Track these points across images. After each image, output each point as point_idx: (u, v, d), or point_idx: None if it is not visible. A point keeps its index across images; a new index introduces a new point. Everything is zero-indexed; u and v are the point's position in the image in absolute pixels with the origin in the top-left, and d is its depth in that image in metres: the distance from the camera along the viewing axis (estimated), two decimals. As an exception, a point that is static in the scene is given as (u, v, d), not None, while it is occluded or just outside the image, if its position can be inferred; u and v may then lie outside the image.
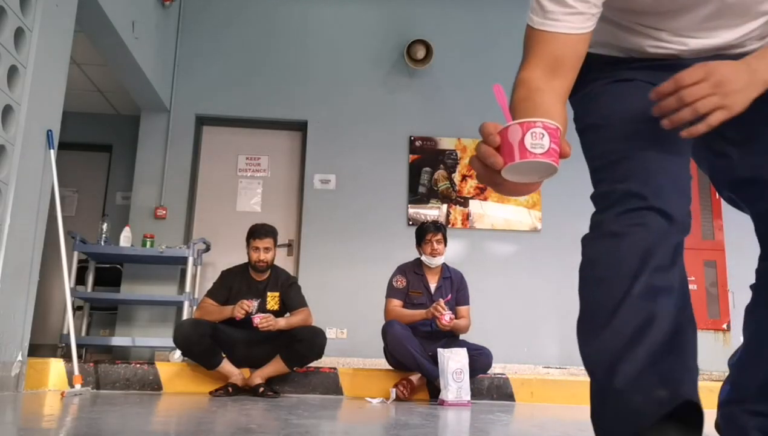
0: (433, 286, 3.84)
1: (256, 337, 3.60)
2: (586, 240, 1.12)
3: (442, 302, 3.58)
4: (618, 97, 1.17)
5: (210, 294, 3.74)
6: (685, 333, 1.05)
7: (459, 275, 3.95)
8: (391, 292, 3.82)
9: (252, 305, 3.50)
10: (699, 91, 0.98)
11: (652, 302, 1.01)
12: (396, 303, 3.77)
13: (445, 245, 3.85)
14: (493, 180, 0.95)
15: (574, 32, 1.11)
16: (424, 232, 3.84)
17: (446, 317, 3.53)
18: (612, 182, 1.11)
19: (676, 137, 1.04)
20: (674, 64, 1.15)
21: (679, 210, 1.08)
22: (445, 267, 3.91)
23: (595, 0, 1.09)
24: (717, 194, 5.75)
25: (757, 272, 1.34)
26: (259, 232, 3.72)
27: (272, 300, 3.71)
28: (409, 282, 3.82)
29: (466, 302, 3.88)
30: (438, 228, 3.84)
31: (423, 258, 3.84)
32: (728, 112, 0.99)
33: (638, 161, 1.10)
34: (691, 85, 0.98)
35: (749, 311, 1.29)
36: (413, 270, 3.87)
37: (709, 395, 4.08)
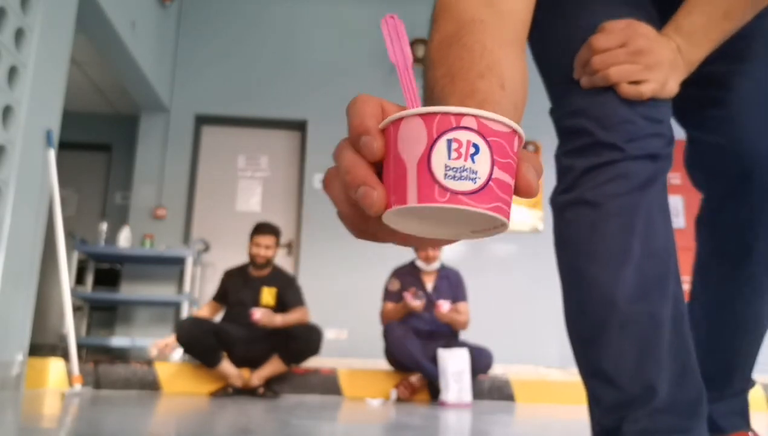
0: (429, 286, 3.83)
1: (254, 336, 3.62)
2: (558, 205, 0.91)
3: (414, 301, 3.58)
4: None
5: (214, 296, 3.89)
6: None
7: (456, 273, 3.94)
8: (386, 295, 3.85)
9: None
10: (611, 59, 0.85)
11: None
12: (390, 307, 3.78)
13: (440, 248, 3.84)
14: (361, 226, 0.50)
15: None
16: None
17: (444, 307, 3.55)
18: (572, 111, 0.92)
19: None
20: None
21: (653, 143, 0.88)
22: (441, 268, 3.91)
23: None
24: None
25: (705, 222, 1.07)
26: (263, 228, 3.79)
27: (268, 295, 3.73)
28: (405, 284, 3.82)
29: (464, 298, 3.88)
30: None
31: (418, 263, 3.84)
32: (660, 89, 0.86)
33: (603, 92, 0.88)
34: (604, 50, 0.84)
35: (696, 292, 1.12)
36: (409, 272, 3.87)
37: (709, 395, 4.00)
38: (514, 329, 5.33)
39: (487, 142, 0.43)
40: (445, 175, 0.43)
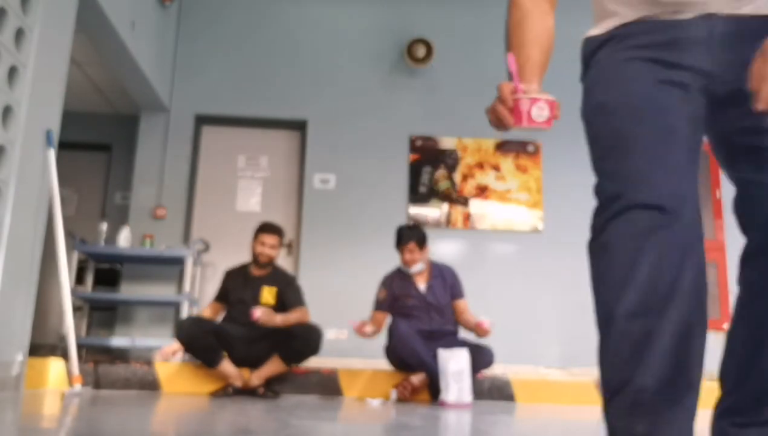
0: (422, 287, 3.80)
1: (254, 335, 3.62)
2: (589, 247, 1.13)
3: (365, 329, 3.63)
4: (616, 83, 1.13)
5: (216, 297, 3.89)
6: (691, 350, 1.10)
7: (450, 270, 3.91)
8: (375, 304, 3.85)
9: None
10: None
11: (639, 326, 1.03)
12: (379, 317, 3.79)
13: (422, 249, 3.75)
14: (501, 128, 1.19)
15: None
16: (400, 241, 3.77)
17: (486, 324, 3.58)
18: (603, 178, 1.12)
19: (675, 125, 1.06)
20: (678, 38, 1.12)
21: (672, 201, 1.03)
22: (433, 266, 3.88)
23: None
24: (717, 193, 5.67)
25: (749, 264, 1.19)
26: (268, 227, 3.81)
27: (268, 294, 3.73)
28: (398, 288, 3.79)
29: (462, 295, 3.86)
30: (410, 237, 3.73)
31: (402, 267, 3.82)
32: None
33: (629, 156, 1.07)
34: None
35: (738, 315, 1.25)
36: (399, 277, 3.84)
37: (708, 395, 4.06)
38: (514, 329, 5.32)
39: (548, 105, 1.13)
40: (537, 116, 1.12)
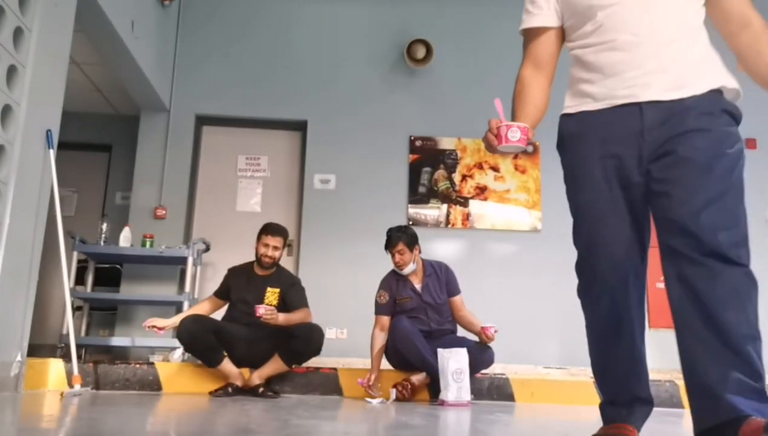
0: (418, 286, 3.80)
1: (255, 335, 3.62)
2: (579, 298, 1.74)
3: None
4: (577, 173, 1.71)
5: (215, 292, 3.88)
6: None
7: (443, 267, 3.90)
8: (378, 308, 3.79)
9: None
10: None
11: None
12: (382, 321, 3.73)
13: (412, 250, 3.74)
14: (491, 151, 1.62)
15: (546, 24, 1.75)
16: (389, 244, 3.77)
17: (491, 330, 3.58)
18: (577, 245, 1.74)
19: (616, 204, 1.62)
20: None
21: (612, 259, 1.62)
22: (427, 264, 3.87)
23: (555, 6, 1.74)
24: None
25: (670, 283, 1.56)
26: (272, 229, 3.80)
27: (272, 295, 3.73)
28: (395, 290, 3.78)
29: (457, 291, 3.85)
30: (398, 239, 3.73)
31: (395, 269, 3.81)
32: None
33: (588, 229, 1.70)
34: None
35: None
36: (395, 278, 3.83)
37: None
38: (514, 329, 5.32)
39: (520, 129, 1.56)
40: (511, 137, 1.54)
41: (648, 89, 1.55)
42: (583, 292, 1.69)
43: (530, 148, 5.75)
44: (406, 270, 3.76)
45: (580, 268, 1.69)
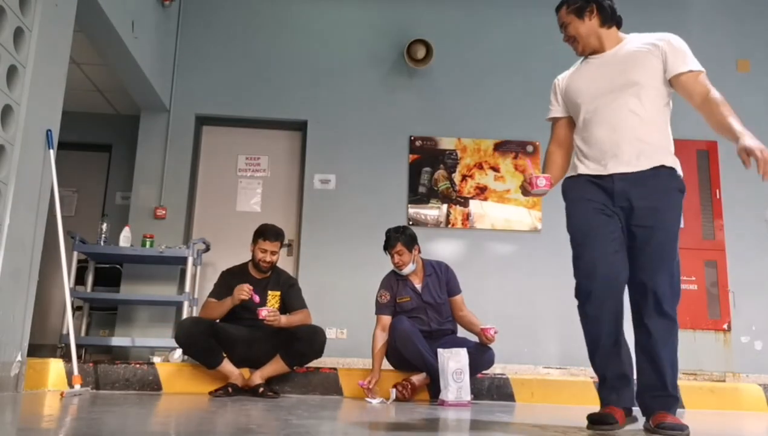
0: (419, 286, 3.79)
1: (256, 336, 3.61)
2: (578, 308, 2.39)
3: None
4: (576, 213, 2.42)
5: (212, 295, 3.75)
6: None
7: (443, 266, 3.89)
8: (378, 309, 3.78)
9: (250, 289, 3.51)
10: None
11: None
12: (384, 320, 3.72)
13: (411, 250, 3.73)
14: (526, 194, 2.40)
15: (559, 115, 2.57)
16: (386, 244, 3.77)
17: (491, 332, 3.58)
18: (576, 270, 2.40)
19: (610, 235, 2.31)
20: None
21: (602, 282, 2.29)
22: (427, 264, 3.87)
23: (557, 101, 2.56)
24: (717, 194, 5.77)
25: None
26: (269, 234, 3.71)
27: (273, 299, 3.70)
28: (395, 290, 3.78)
29: (458, 290, 3.84)
30: (396, 239, 3.72)
31: (396, 269, 3.80)
32: None
33: (583, 258, 2.36)
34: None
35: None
36: (395, 278, 3.82)
37: (708, 395, 4.07)
38: (514, 329, 5.33)
39: (545, 178, 2.35)
40: (538, 183, 2.33)
41: (614, 164, 2.32)
42: (582, 305, 2.36)
43: (530, 149, 5.76)
44: (406, 270, 3.75)
45: (578, 278, 2.39)
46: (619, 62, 2.36)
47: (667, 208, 2.25)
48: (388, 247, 3.77)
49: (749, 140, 2.09)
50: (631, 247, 2.28)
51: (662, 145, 2.33)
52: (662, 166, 2.29)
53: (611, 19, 2.42)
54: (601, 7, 2.39)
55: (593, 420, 2.28)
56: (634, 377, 2.33)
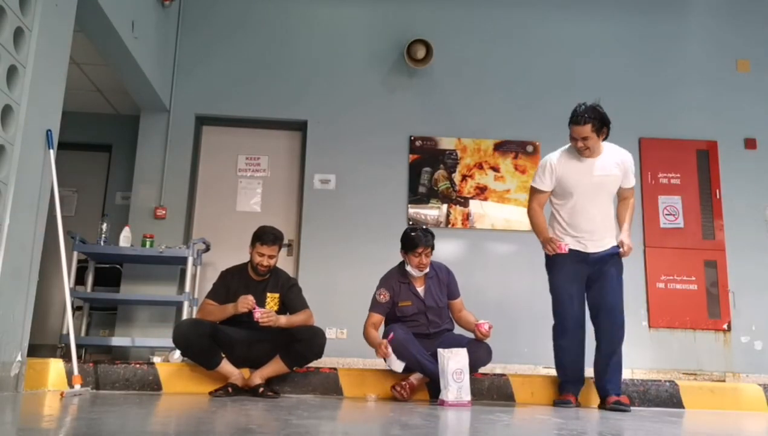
0: (421, 290, 3.74)
1: (255, 337, 3.59)
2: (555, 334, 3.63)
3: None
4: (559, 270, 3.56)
5: (210, 295, 3.72)
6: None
7: (444, 268, 3.84)
8: (373, 306, 3.71)
9: (252, 301, 3.49)
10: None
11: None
12: (376, 318, 3.67)
13: (432, 253, 3.72)
14: (551, 253, 3.55)
15: (546, 189, 3.57)
16: (415, 244, 3.64)
17: (485, 326, 3.53)
18: (555, 316, 3.59)
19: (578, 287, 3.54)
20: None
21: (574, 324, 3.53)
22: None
23: (551, 182, 3.53)
24: (717, 194, 5.79)
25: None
26: (267, 238, 3.65)
27: (272, 301, 3.69)
28: (396, 293, 3.71)
29: (458, 293, 3.82)
30: (429, 241, 3.66)
31: (408, 268, 3.72)
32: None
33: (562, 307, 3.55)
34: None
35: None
36: (398, 279, 3.75)
37: (708, 395, 4.07)
38: (514, 329, 5.33)
39: (565, 244, 3.52)
40: (563, 247, 3.49)
41: (591, 247, 3.46)
42: (560, 332, 3.57)
43: (530, 149, 5.76)
44: (423, 272, 3.72)
45: (559, 321, 3.57)
46: (603, 172, 3.45)
47: (619, 270, 3.51)
48: (421, 245, 3.64)
49: (627, 238, 3.49)
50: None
51: (613, 231, 3.53)
52: (614, 246, 3.50)
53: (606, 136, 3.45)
54: (608, 129, 3.40)
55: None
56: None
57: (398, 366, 3.44)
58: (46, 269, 3.65)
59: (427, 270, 3.73)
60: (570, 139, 3.42)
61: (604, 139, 3.42)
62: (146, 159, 5.64)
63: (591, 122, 3.30)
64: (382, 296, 3.71)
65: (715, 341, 5.49)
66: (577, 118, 3.33)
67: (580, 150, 3.39)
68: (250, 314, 3.46)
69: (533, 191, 3.59)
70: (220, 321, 3.60)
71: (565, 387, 3.56)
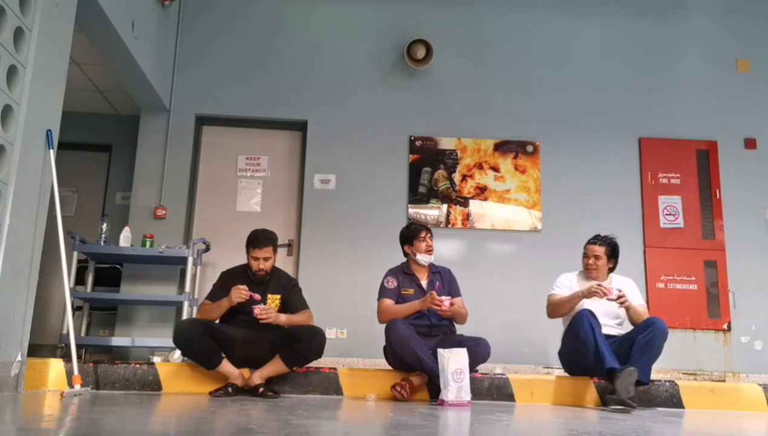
0: (424, 283, 3.87)
1: (256, 337, 3.60)
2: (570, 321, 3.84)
3: (433, 292, 3.63)
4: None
5: (210, 297, 3.73)
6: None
7: (446, 270, 4.00)
8: (383, 292, 3.82)
9: (246, 290, 3.50)
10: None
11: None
12: (389, 302, 3.77)
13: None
14: (589, 296, 3.73)
15: (564, 294, 3.92)
16: (417, 231, 3.93)
17: (446, 303, 3.57)
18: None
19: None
20: None
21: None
22: (431, 265, 3.95)
23: (569, 290, 3.92)
24: (717, 193, 5.82)
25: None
26: (258, 241, 3.65)
27: (272, 303, 3.69)
28: (401, 282, 3.84)
29: (458, 293, 3.91)
30: (426, 227, 4.02)
31: (418, 257, 3.86)
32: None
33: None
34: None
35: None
36: (402, 271, 3.91)
37: (709, 395, 4.08)
38: (514, 329, 5.33)
39: (609, 291, 3.73)
40: (612, 297, 3.74)
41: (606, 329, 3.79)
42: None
43: (530, 149, 5.76)
44: (431, 258, 3.91)
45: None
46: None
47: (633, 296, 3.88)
48: (423, 230, 3.93)
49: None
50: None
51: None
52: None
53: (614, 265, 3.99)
54: (616, 262, 3.97)
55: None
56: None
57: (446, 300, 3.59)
58: (46, 269, 3.65)
59: (432, 258, 3.91)
60: (583, 257, 3.99)
61: (611, 271, 4.00)
62: (146, 159, 5.64)
63: (606, 246, 3.94)
64: (390, 283, 3.84)
65: (715, 341, 5.49)
66: (596, 239, 3.97)
67: (589, 267, 3.93)
68: (250, 312, 3.47)
69: (551, 296, 3.96)
70: (218, 318, 3.60)
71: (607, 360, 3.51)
